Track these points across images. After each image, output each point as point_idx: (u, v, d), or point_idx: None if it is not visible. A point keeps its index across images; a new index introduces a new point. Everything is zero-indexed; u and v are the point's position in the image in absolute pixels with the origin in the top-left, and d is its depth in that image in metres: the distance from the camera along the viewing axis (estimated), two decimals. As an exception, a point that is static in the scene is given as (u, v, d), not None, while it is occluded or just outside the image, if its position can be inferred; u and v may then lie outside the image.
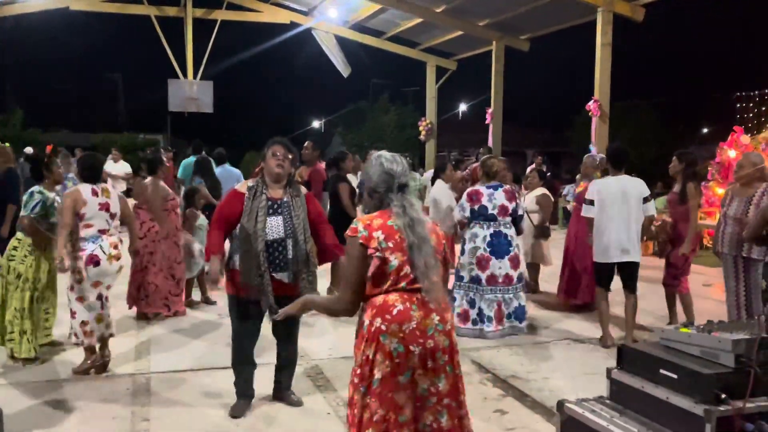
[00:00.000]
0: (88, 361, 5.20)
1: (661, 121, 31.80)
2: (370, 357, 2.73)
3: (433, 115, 20.69)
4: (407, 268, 2.75)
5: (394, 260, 2.74)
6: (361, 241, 2.75)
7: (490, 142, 17.06)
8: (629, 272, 5.95)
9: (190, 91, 18.30)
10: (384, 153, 2.99)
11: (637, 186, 5.92)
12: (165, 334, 6.35)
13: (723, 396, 2.42)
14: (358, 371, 2.78)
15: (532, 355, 5.85)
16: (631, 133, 26.87)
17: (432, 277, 2.72)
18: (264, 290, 4.20)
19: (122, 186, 14.43)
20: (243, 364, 4.49)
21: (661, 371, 2.61)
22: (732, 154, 11.62)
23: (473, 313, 6.31)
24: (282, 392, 4.65)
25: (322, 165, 7.51)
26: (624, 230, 5.81)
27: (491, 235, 6.26)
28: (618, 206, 5.81)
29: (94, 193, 5.16)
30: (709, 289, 8.59)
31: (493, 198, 6.28)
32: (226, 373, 4.81)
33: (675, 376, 2.56)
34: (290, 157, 4.37)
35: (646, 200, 5.88)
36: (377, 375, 2.71)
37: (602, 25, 13.13)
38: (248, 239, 4.20)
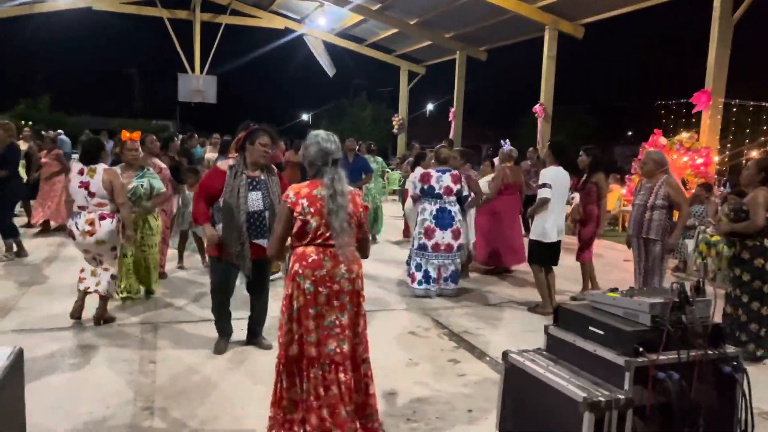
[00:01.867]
0: (77, 301, 5.04)
1: (595, 123, 32.07)
2: (290, 292, 3.00)
3: (404, 112, 20.60)
4: (323, 228, 2.96)
5: (313, 222, 2.96)
6: (289, 205, 3.00)
7: (451, 136, 17.04)
8: (559, 249, 5.95)
9: (197, 84, 17.98)
10: (321, 133, 3.14)
11: (567, 176, 5.94)
12: (169, 291, 6.23)
13: (641, 349, 2.43)
14: (285, 302, 3.04)
15: (482, 315, 5.87)
16: (570, 133, 27.05)
17: (344, 238, 2.94)
18: (243, 256, 4.22)
19: None
20: (221, 311, 4.55)
21: (590, 328, 2.61)
22: (652, 152, 11.70)
23: (419, 275, 6.43)
24: (255, 338, 4.69)
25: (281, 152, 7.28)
26: (562, 214, 5.90)
27: (437, 210, 6.38)
28: (559, 193, 5.81)
29: (80, 173, 4.96)
30: (629, 263, 8.68)
31: (441, 180, 6.37)
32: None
33: (602, 333, 2.56)
34: (275, 143, 4.37)
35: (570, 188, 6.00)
36: (295, 305, 2.98)
37: (548, 41, 13.14)
38: (230, 212, 4.18)
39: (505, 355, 2.86)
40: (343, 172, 3.06)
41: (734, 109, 11.69)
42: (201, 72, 18.30)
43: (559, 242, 5.89)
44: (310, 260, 2.96)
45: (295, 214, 2.98)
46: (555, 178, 5.77)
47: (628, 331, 2.47)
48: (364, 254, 3.23)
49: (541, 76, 13.38)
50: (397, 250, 8.96)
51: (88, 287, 5.02)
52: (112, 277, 5.09)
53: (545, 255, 5.87)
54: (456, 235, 6.40)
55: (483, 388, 4.02)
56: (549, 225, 5.76)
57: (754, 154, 11.43)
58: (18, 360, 1.82)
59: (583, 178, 6.53)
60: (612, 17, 12.60)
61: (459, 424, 3.53)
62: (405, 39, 18.03)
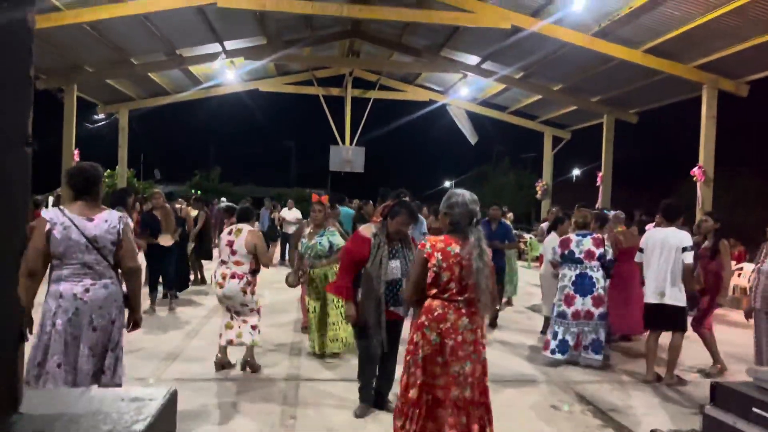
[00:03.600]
0: (218, 355, 5.48)
1: (764, 187, 29.02)
2: (416, 340, 3.26)
3: (548, 177, 20.19)
4: (453, 284, 3.18)
5: (445, 276, 3.19)
6: (425, 255, 3.23)
7: (598, 203, 16.34)
8: (667, 314, 5.53)
9: (347, 155, 19.03)
10: (466, 194, 3.33)
11: (678, 236, 5.54)
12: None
13: (819, 439, 2.11)
14: (410, 348, 3.30)
15: (632, 391, 5.40)
16: (734, 198, 24.76)
17: (487, 295, 3.17)
18: (380, 325, 4.24)
19: (293, 228, 15.33)
20: (369, 374, 4.56)
21: (755, 410, 2.32)
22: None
23: (553, 344, 6.18)
24: (382, 402, 4.62)
25: None
26: (660, 275, 5.51)
27: (577, 276, 6.17)
28: (657, 254, 5.55)
29: (229, 233, 5.49)
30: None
31: (581, 244, 6.20)
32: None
33: (768, 416, 2.26)
34: (414, 222, 4.43)
35: (684, 250, 5.48)
36: (421, 354, 3.23)
37: (707, 100, 12.31)
38: (371, 281, 4.24)
39: (653, 434, 2.61)
40: (483, 231, 3.29)
41: None
42: (350, 143, 19.45)
43: (657, 305, 5.52)
44: (435, 314, 3.20)
45: (429, 264, 3.20)
46: (648, 240, 5.70)
47: (802, 416, 2.16)
48: (491, 307, 3.45)
49: (698, 136, 12.50)
50: (532, 316, 8.62)
51: (231, 339, 5.43)
52: (253, 327, 5.43)
53: (647, 317, 5.73)
54: (597, 302, 6.12)
55: (632, 473, 3.67)
56: (646, 287, 5.68)
57: None
58: (172, 400, 2.00)
59: (708, 243, 6.17)
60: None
61: None
62: (549, 105, 17.86)
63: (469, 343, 3.23)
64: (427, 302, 3.26)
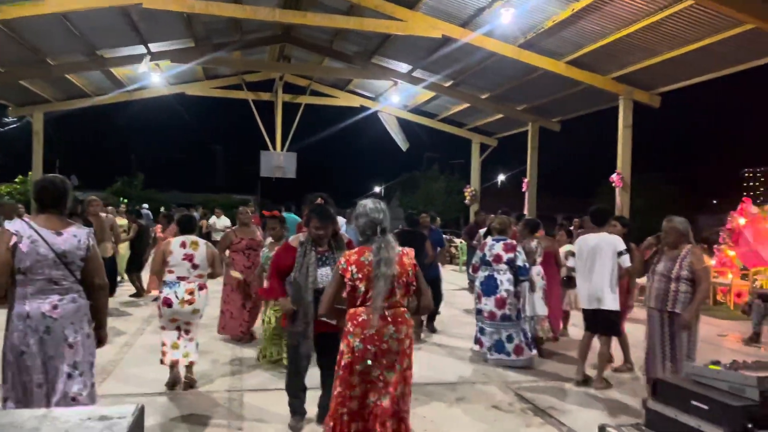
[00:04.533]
0: (168, 376, 5.27)
1: (676, 192, 31.07)
2: (342, 349, 3.27)
3: (476, 183, 20.73)
4: (372, 292, 3.19)
5: (362, 287, 3.22)
6: (340, 272, 3.28)
7: (525, 206, 16.94)
8: (601, 319, 5.67)
9: (278, 161, 18.80)
10: (369, 203, 3.41)
11: (611, 241, 5.67)
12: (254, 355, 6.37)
13: (750, 426, 2.31)
14: (339, 358, 3.30)
15: (569, 389, 5.66)
16: (648, 202, 26.32)
17: (378, 302, 3.14)
18: (306, 335, 4.16)
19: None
20: (296, 386, 4.43)
21: (693, 402, 2.51)
22: (742, 221, 11.23)
23: (485, 340, 6.49)
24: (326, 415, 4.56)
25: None
26: (596, 281, 5.61)
27: (485, 277, 6.51)
28: (591, 259, 5.67)
29: (182, 245, 5.23)
30: (723, 339, 8.20)
31: (492, 248, 6.52)
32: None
33: (706, 407, 2.46)
34: (328, 224, 4.25)
35: (620, 254, 5.60)
36: (343, 362, 3.24)
37: (623, 110, 13.06)
38: (299, 289, 4.16)
39: (601, 428, 2.78)
40: (392, 238, 3.31)
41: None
42: (282, 149, 19.24)
43: (593, 311, 5.68)
44: (360, 320, 3.21)
45: (345, 279, 3.26)
46: (581, 246, 5.85)
47: (736, 406, 2.36)
48: (425, 308, 3.51)
49: (616, 144, 13.24)
50: (468, 320, 8.83)
51: (176, 359, 5.23)
52: (196, 344, 5.36)
53: (585, 321, 5.89)
54: (499, 303, 6.33)
55: (574, 467, 3.85)
56: (580, 292, 5.91)
57: None
58: (140, 417, 1.96)
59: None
60: (691, 85, 12.43)
61: (551, 504, 3.39)
62: (476, 113, 18.38)
63: (394, 353, 3.22)
64: (352, 310, 3.28)
